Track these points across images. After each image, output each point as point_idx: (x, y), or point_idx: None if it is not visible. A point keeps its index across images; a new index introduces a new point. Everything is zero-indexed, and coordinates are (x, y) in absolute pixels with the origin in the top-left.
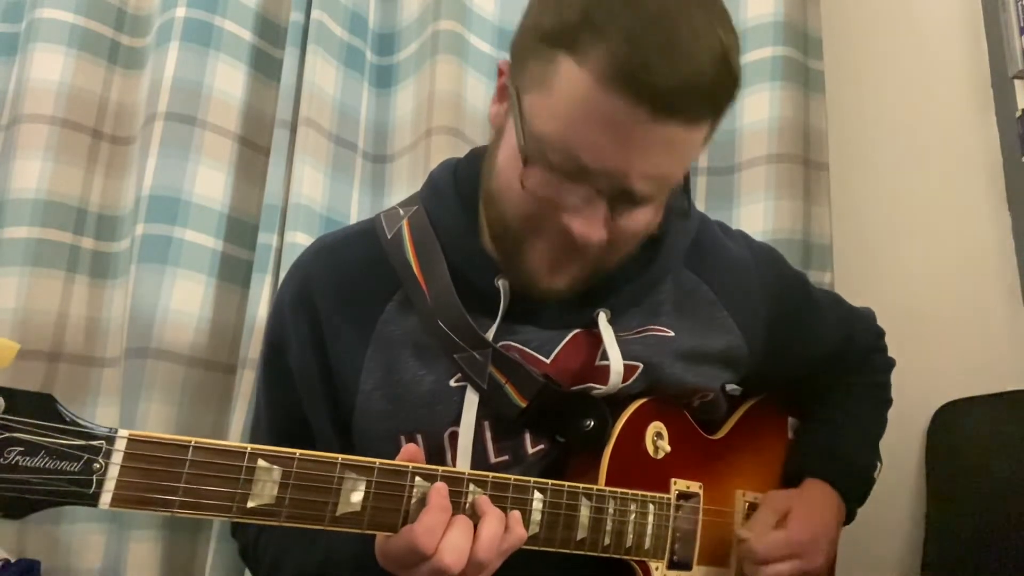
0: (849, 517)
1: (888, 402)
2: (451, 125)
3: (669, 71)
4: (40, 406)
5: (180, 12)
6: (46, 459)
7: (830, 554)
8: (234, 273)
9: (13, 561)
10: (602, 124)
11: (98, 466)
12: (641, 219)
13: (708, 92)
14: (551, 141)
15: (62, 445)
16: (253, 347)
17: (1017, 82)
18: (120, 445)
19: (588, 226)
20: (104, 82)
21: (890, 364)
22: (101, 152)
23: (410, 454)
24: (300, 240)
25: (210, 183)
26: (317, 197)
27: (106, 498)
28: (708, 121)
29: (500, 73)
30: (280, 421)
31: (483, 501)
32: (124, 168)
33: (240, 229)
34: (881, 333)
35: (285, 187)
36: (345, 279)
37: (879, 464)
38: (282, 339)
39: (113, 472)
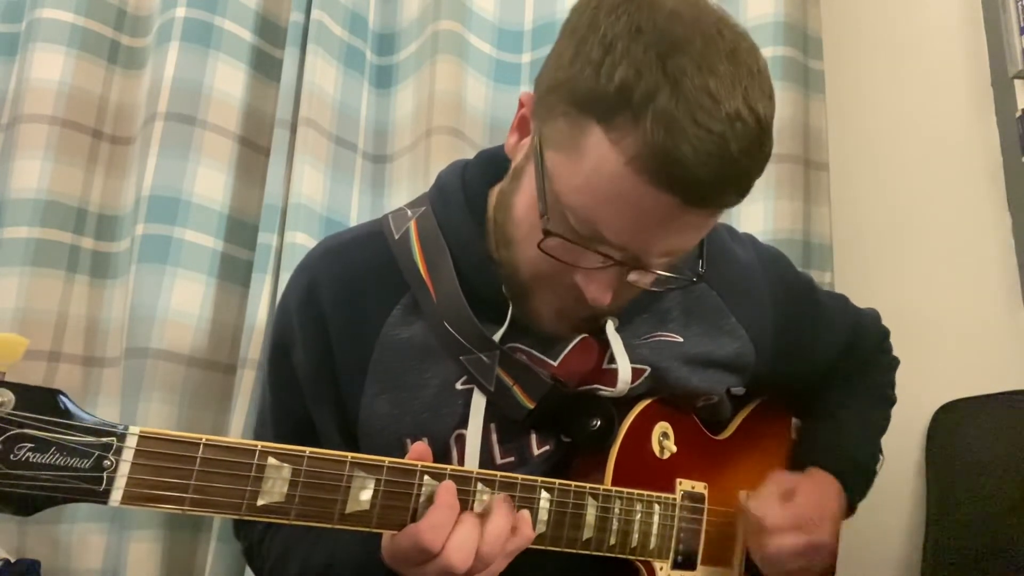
0: (850, 510)
1: (892, 400)
2: (451, 125)
3: (705, 167)
4: (50, 402)
5: (180, 12)
6: (56, 456)
7: (835, 537)
8: (234, 273)
9: (13, 561)
10: (628, 206)
11: (109, 463)
12: (648, 280)
13: (742, 185)
14: (573, 210)
15: (73, 442)
16: (253, 347)
17: (1017, 82)
18: (131, 442)
19: (600, 291)
20: (104, 82)
21: (894, 364)
22: (101, 152)
23: (419, 453)
24: (300, 240)
25: (210, 183)
26: (317, 197)
27: (117, 495)
28: (736, 202)
29: (521, 104)
30: (285, 422)
31: (494, 500)
32: (124, 168)
33: (240, 229)
34: (886, 334)
35: (285, 187)
36: (351, 282)
37: (881, 457)
38: (288, 340)
39: (124, 469)
